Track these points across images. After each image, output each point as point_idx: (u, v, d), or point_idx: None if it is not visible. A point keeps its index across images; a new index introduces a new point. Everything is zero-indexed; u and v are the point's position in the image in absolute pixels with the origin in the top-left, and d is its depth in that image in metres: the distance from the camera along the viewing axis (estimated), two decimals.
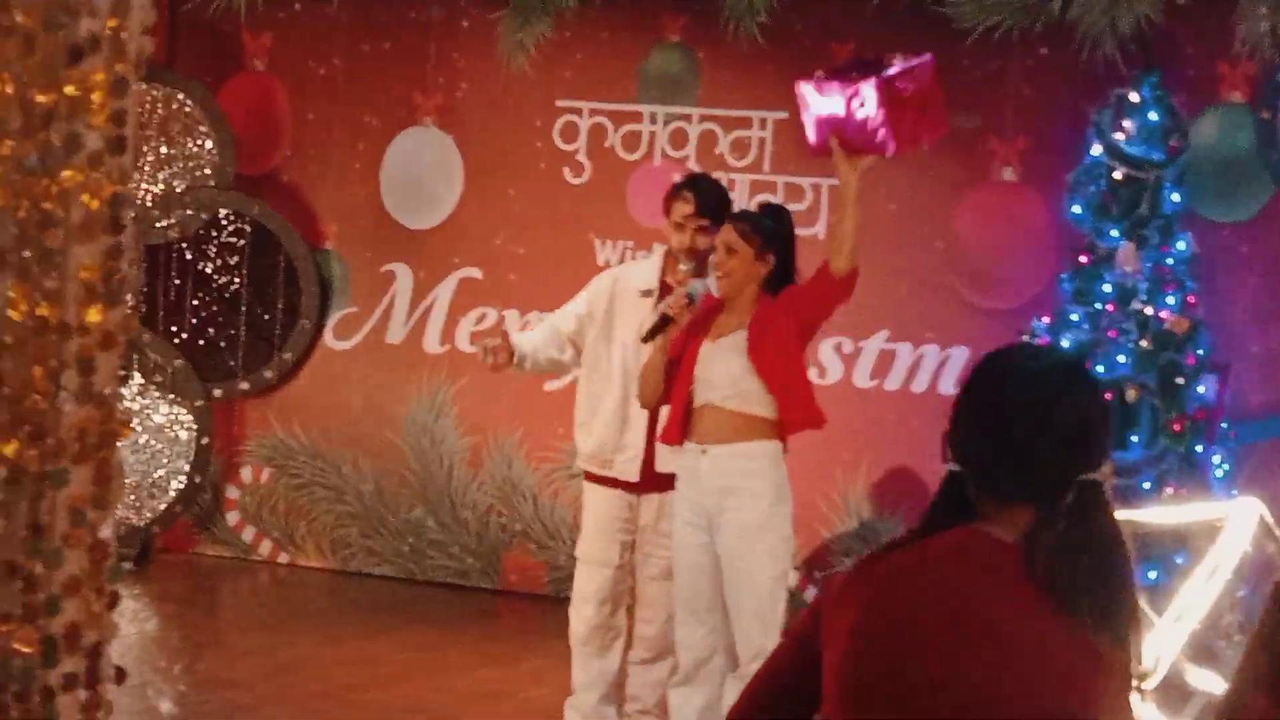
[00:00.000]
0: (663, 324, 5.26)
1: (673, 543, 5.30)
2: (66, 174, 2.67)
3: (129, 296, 2.76)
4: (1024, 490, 2.19)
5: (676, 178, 7.91)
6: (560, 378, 7.20)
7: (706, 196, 5.57)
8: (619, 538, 5.59)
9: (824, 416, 5.36)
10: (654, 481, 5.50)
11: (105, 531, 2.81)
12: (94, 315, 2.74)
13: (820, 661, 2.26)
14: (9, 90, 2.61)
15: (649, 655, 5.63)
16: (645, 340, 5.34)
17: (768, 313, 5.23)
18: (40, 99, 2.62)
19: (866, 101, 5.18)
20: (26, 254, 2.71)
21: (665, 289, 5.52)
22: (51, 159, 2.68)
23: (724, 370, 5.17)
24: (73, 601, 2.82)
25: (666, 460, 5.42)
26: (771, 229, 5.33)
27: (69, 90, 2.66)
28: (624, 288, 5.66)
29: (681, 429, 5.22)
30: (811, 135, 5.45)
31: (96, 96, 2.69)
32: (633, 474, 5.55)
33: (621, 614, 5.63)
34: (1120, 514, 5.01)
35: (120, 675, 2.92)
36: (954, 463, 2.26)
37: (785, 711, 2.34)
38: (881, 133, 5.20)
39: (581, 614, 5.61)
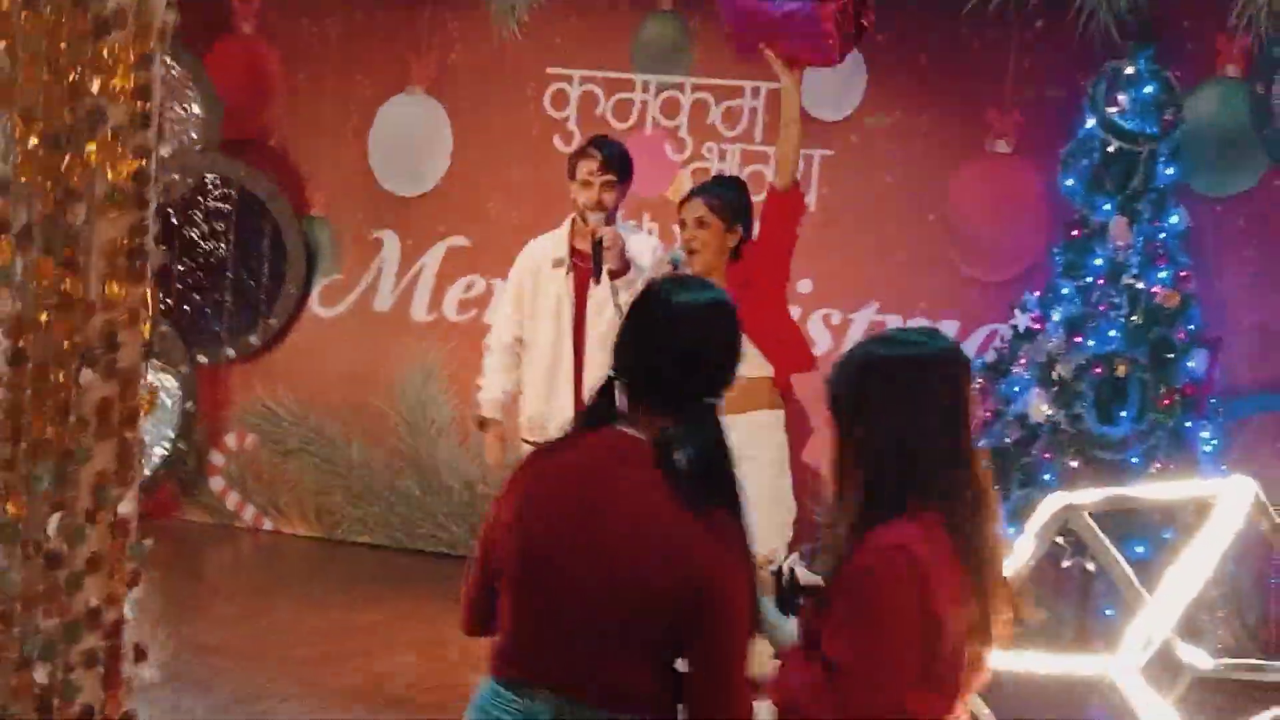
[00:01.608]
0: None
1: None
2: (90, 148, 2.63)
3: (152, 272, 2.73)
4: (663, 404, 2.71)
5: (667, 148, 7.97)
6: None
7: (612, 154, 5.81)
8: None
9: (814, 360, 5.55)
10: None
11: (126, 508, 2.78)
12: (117, 291, 2.71)
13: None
14: (35, 65, 2.57)
15: None
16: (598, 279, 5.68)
17: (737, 273, 5.34)
18: (66, 73, 2.58)
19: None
20: (50, 229, 2.67)
21: (576, 254, 5.81)
22: (76, 134, 2.64)
23: None
24: (94, 578, 2.79)
25: None
26: (737, 201, 5.51)
27: (94, 64, 2.62)
28: (536, 264, 5.92)
29: None
30: (729, 25, 5.49)
31: (121, 71, 2.65)
32: None
33: None
34: (1110, 490, 5.00)
35: (140, 653, 2.89)
36: (613, 371, 2.74)
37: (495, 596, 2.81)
38: (826, 41, 5.20)
39: None
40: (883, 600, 2.60)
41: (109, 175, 2.67)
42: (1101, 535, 4.81)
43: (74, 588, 2.76)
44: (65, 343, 2.66)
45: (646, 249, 5.91)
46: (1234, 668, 5.06)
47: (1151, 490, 4.91)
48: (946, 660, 2.66)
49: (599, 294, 5.76)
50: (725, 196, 5.48)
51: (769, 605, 2.77)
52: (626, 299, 5.77)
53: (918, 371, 2.69)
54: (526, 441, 5.89)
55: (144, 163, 2.69)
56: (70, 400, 2.68)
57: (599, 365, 5.79)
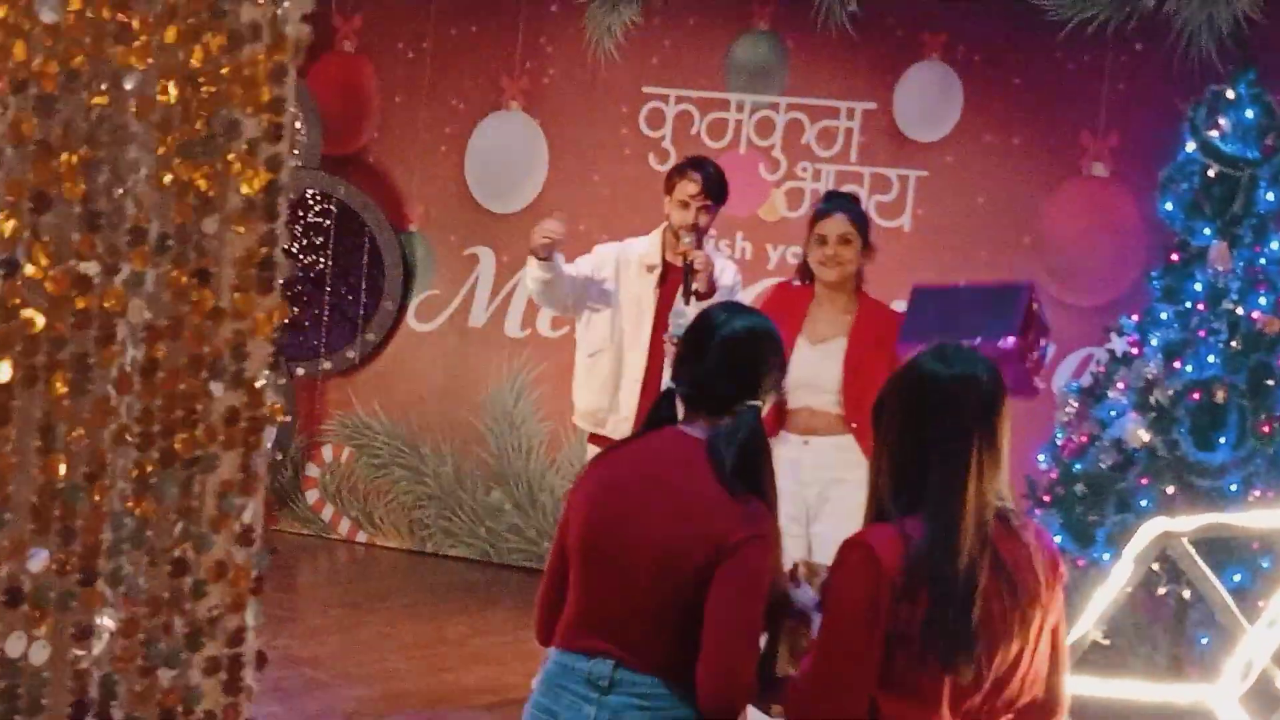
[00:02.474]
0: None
1: None
2: (226, 159, 2.69)
3: (280, 283, 2.78)
4: (714, 409, 3.15)
5: (761, 167, 7.99)
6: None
7: (711, 177, 5.84)
8: None
9: None
10: None
11: (250, 517, 2.84)
12: (246, 302, 2.76)
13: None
14: (172, 78, 2.63)
15: None
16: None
17: (868, 328, 5.24)
18: (204, 85, 2.64)
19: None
20: (182, 240, 2.73)
21: (666, 266, 5.86)
22: (211, 145, 2.70)
23: (829, 377, 5.23)
24: (218, 586, 2.85)
25: None
26: (868, 221, 5.47)
27: (230, 77, 2.68)
28: (627, 259, 5.92)
29: (775, 425, 5.20)
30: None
31: (256, 84, 2.70)
32: (625, 434, 5.76)
33: None
34: (1209, 517, 4.96)
35: (261, 660, 2.95)
36: (672, 382, 3.25)
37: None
38: (1026, 372, 4.88)
39: None
40: (836, 592, 2.80)
41: (242, 188, 2.72)
42: (1200, 562, 4.78)
43: (198, 595, 2.82)
44: (195, 352, 2.71)
45: (728, 273, 5.97)
46: None
47: (1250, 518, 4.87)
48: (914, 665, 2.72)
49: (681, 310, 5.79)
50: (865, 215, 5.46)
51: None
52: None
53: (923, 390, 2.83)
54: (591, 437, 6.01)
55: (276, 175, 2.74)
56: (199, 409, 2.73)
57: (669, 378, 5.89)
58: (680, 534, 3.02)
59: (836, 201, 5.51)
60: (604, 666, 3.03)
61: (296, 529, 8.70)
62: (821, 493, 5.20)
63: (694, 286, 5.73)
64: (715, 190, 5.85)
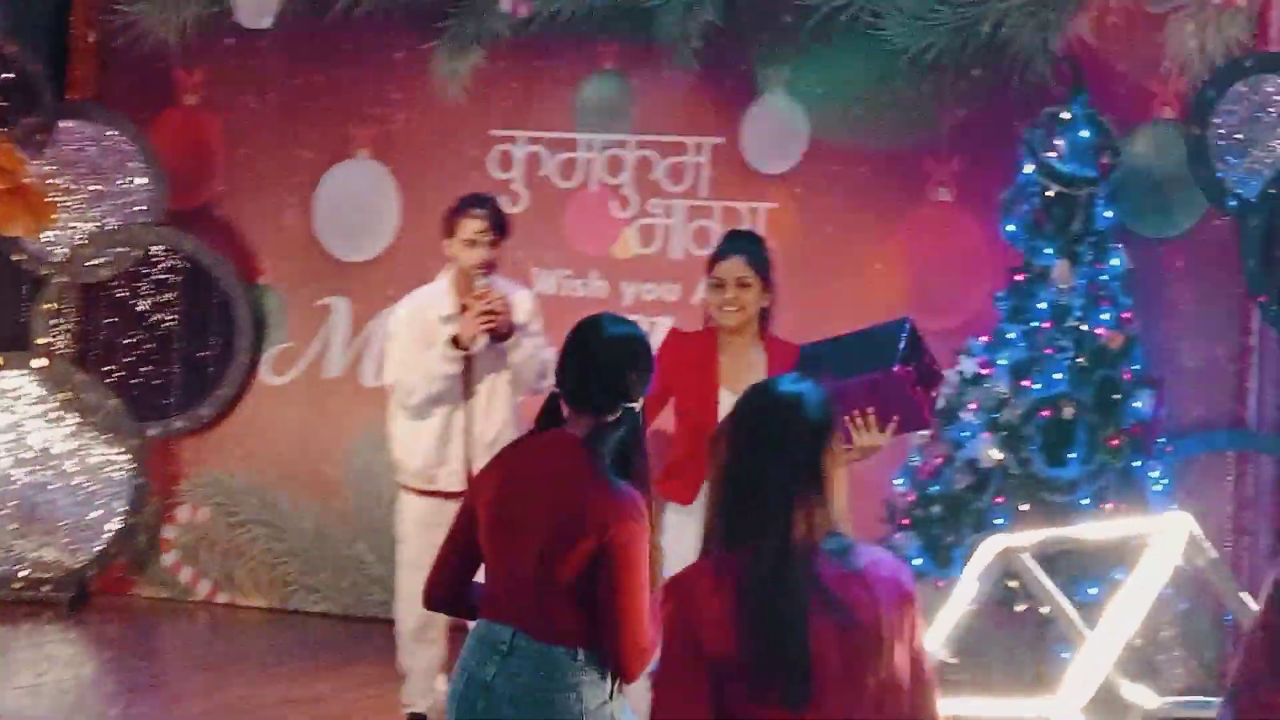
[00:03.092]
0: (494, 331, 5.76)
1: None
2: None
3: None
4: (593, 408, 3.60)
5: (612, 205, 7.99)
6: None
7: (497, 212, 5.93)
8: (438, 541, 5.85)
9: None
10: None
11: None
12: None
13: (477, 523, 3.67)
14: None
15: None
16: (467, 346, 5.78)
17: (781, 370, 5.00)
18: None
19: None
20: None
21: (464, 310, 5.87)
22: None
23: None
24: None
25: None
26: (769, 259, 5.34)
27: None
28: (425, 317, 5.93)
29: (699, 487, 4.96)
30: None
31: None
32: (456, 485, 5.87)
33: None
34: (1047, 531, 5.00)
35: None
36: (557, 388, 3.67)
37: (461, 561, 3.75)
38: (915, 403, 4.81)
39: (408, 614, 6.03)
40: (662, 632, 2.77)
41: None
42: (1042, 576, 4.80)
43: None
44: None
45: (524, 304, 6.01)
46: (1181, 705, 5.04)
47: (1088, 530, 4.91)
48: (751, 700, 2.65)
49: (487, 351, 5.89)
50: (763, 253, 5.30)
51: None
52: (518, 357, 5.82)
53: (748, 417, 2.81)
54: (411, 490, 6.03)
55: None
56: None
57: (488, 419, 5.93)
58: (563, 523, 3.48)
59: (733, 243, 5.35)
60: (505, 633, 3.56)
61: (154, 593, 8.51)
62: None
63: (498, 329, 5.81)
64: (500, 224, 5.91)
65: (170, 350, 8.38)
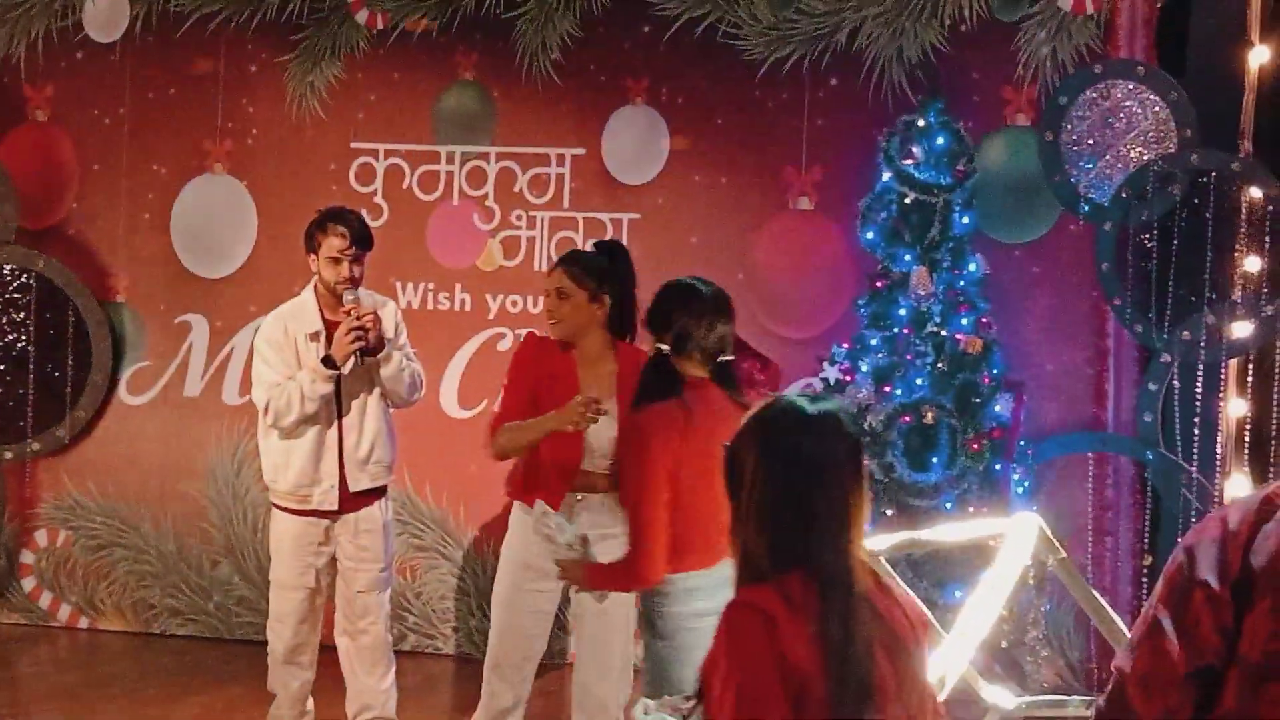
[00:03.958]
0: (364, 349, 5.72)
1: (506, 597, 5.33)
2: None
3: None
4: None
5: (475, 217, 7.95)
6: None
7: (360, 226, 5.86)
8: (313, 562, 5.90)
9: None
10: (350, 504, 5.83)
11: None
12: None
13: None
14: None
15: (376, 666, 6.00)
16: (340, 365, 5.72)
17: (631, 382, 5.00)
18: None
19: None
20: None
21: (330, 326, 5.81)
22: None
23: (603, 440, 5.14)
24: None
25: (360, 481, 5.81)
26: (605, 268, 5.32)
27: None
28: (293, 334, 5.84)
29: (563, 494, 5.17)
30: None
31: None
32: (332, 503, 5.84)
33: (317, 630, 5.98)
34: (910, 533, 5.07)
35: None
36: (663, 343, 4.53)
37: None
38: None
39: (281, 635, 5.96)
40: (734, 659, 2.64)
41: None
42: (896, 579, 4.83)
43: None
44: None
45: (390, 317, 5.94)
46: (1038, 704, 5.11)
47: (943, 532, 4.94)
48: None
49: (357, 366, 5.82)
50: (589, 263, 5.30)
51: None
52: (389, 371, 5.81)
53: (789, 437, 2.74)
54: (282, 509, 5.92)
55: None
56: None
57: (361, 434, 5.85)
58: None
59: (566, 255, 5.46)
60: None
61: (13, 619, 8.32)
62: (589, 548, 5.08)
63: (369, 344, 5.75)
64: (363, 238, 5.85)
65: (23, 371, 8.20)
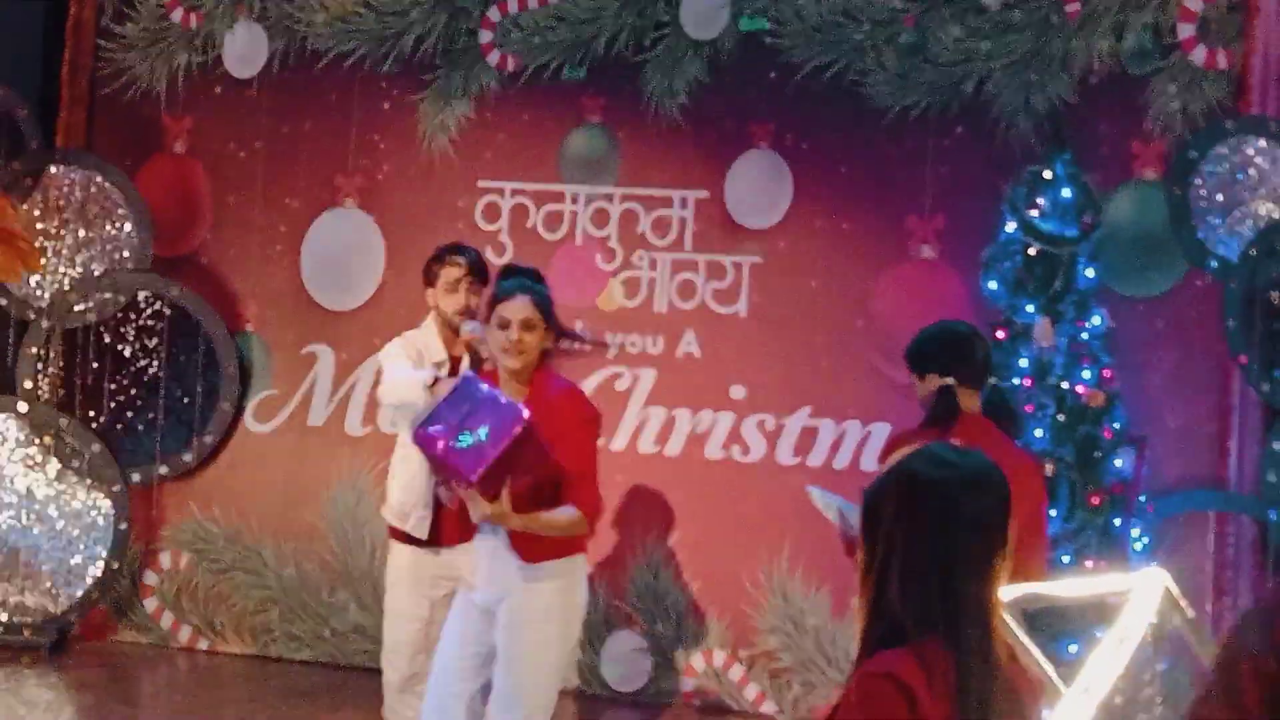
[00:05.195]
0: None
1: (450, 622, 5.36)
2: None
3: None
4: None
5: (598, 257, 8.03)
6: None
7: (476, 259, 5.96)
8: (429, 593, 5.86)
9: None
10: (459, 533, 5.56)
11: None
12: None
13: None
14: None
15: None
16: None
17: (535, 413, 4.89)
18: None
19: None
20: None
21: (455, 360, 5.86)
22: None
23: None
24: None
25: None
26: (552, 300, 5.23)
27: None
28: (420, 358, 5.86)
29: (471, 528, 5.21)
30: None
31: None
32: (423, 531, 5.85)
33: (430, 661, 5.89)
34: (1026, 586, 5.05)
35: None
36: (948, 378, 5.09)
37: None
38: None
39: (396, 665, 5.93)
40: None
41: None
42: (1019, 632, 4.80)
43: None
44: None
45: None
46: None
47: (1065, 586, 4.89)
48: None
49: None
50: (546, 294, 5.18)
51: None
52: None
53: (930, 488, 2.60)
54: (397, 537, 5.93)
55: None
56: None
57: None
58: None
59: (518, 281, 5.21)
60: None
61: (135, 638, 8.48)
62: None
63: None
64: (480, 271, 5.94)
65: (154, 396, 8.39)
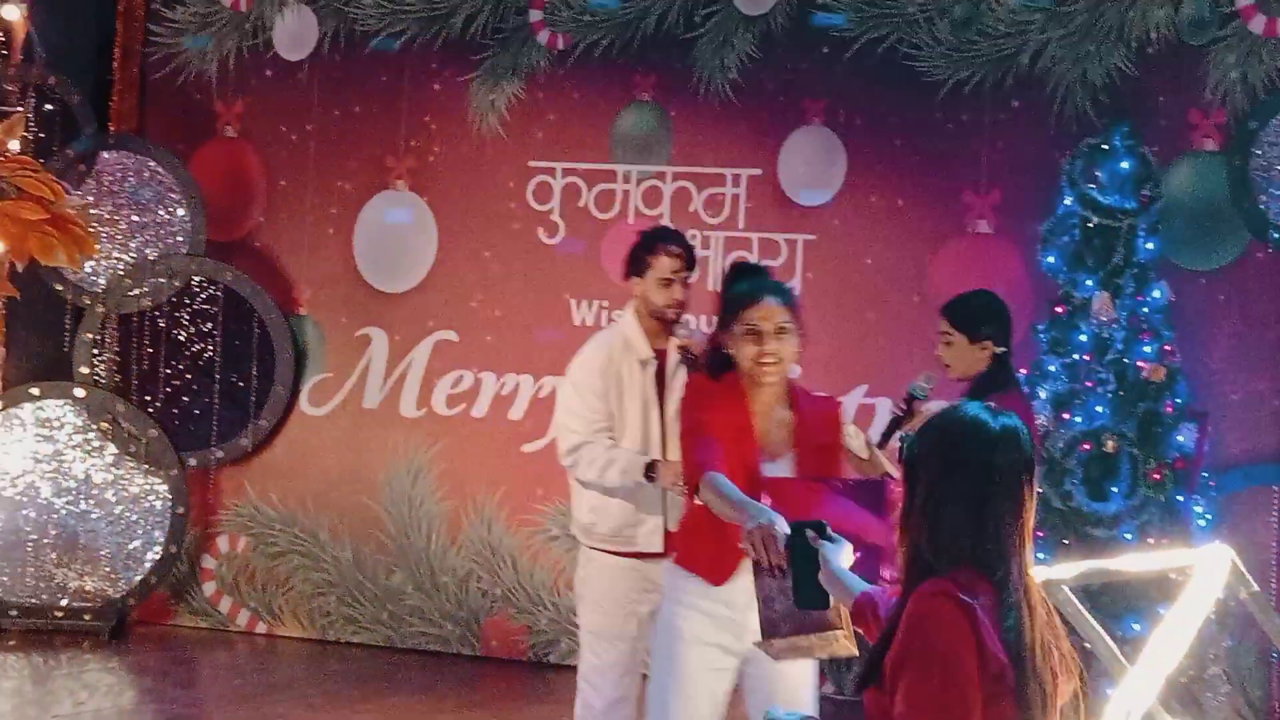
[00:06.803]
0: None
1: (688, 667, 4.54)
2: None
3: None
4: None
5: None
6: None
7: (689, 248, 5.39)
8: (637, 609, 5.30)
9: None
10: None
11: None
12: None
13: None
14: None
15: None
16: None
17: (812, 431, 4.41)
18: None
19: None
20: None
21: (661, 355, 5.31)
22: None
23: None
24: None
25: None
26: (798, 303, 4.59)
27: None
28: (621, 359, 5.31)
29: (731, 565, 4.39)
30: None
31: None
32: (657, 544, 5.26)
33: (639, 683, 5.35)
34: (1096, 563, 4.98)
35: None
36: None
37: None
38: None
39: (600, 689, 5.34)
40: (937, 645, 2.68)
41: None
42: (1081, 608, 4.74)
43: None
44: None
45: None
46: None
47: (1129, 562, 4.82)
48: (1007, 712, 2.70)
49: (674, 397, 5.23)
50: (793, 294, 4.56)
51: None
52: None
53: (970, 445, 2.80)
54: (603, 551, 5.36)
55: None
56: None
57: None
58: None
59: (760, 282, 4.54)
60: None
61: (194, 622, 8.53)
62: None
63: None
64: (693, 260, 5.38)
65: (210, 380, 8.42)
